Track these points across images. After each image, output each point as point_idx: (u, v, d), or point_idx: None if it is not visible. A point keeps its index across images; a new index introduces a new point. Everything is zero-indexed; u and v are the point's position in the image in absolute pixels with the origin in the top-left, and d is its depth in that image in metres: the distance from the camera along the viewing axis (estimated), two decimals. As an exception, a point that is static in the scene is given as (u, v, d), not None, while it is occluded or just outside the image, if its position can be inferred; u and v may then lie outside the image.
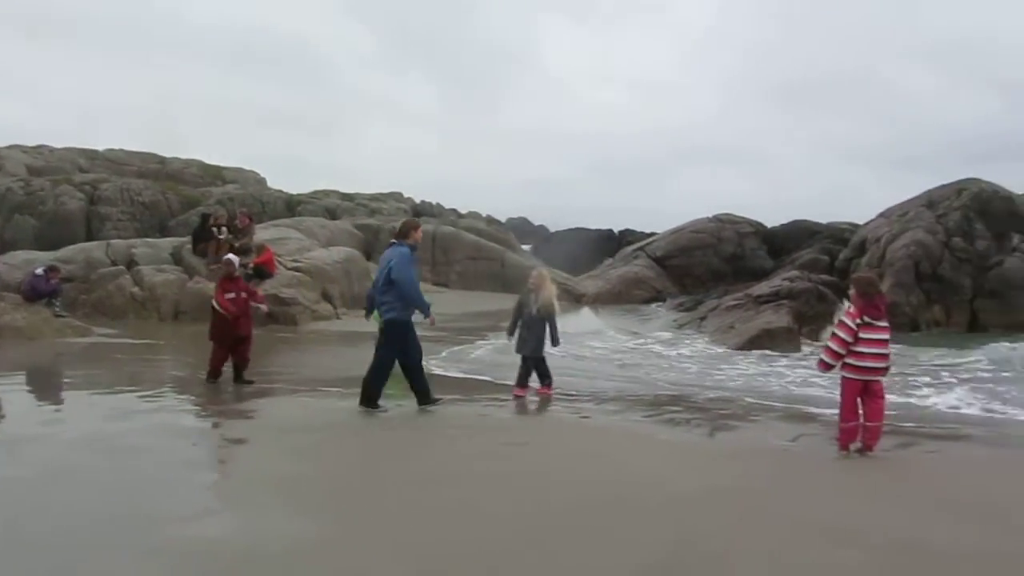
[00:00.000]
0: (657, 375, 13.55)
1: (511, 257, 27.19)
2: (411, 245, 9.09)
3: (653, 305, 25.63)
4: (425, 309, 9.02)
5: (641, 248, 29.59)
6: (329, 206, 36.14)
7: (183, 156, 44.85)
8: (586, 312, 23.81)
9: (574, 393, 10.94)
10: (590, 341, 17.36)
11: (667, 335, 19.44)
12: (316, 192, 40.03)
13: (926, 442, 8.70)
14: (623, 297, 25.89)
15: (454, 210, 46.56)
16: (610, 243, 38.36)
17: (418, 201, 44.98)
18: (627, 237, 38.58)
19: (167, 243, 20.97)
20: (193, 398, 9.81)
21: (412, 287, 8.90)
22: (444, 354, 14.35)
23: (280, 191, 39.79)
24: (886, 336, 7.66)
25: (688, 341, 18.43)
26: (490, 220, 45.32)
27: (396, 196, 44.21)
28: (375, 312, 9.19)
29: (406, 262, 8.86)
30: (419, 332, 9.20)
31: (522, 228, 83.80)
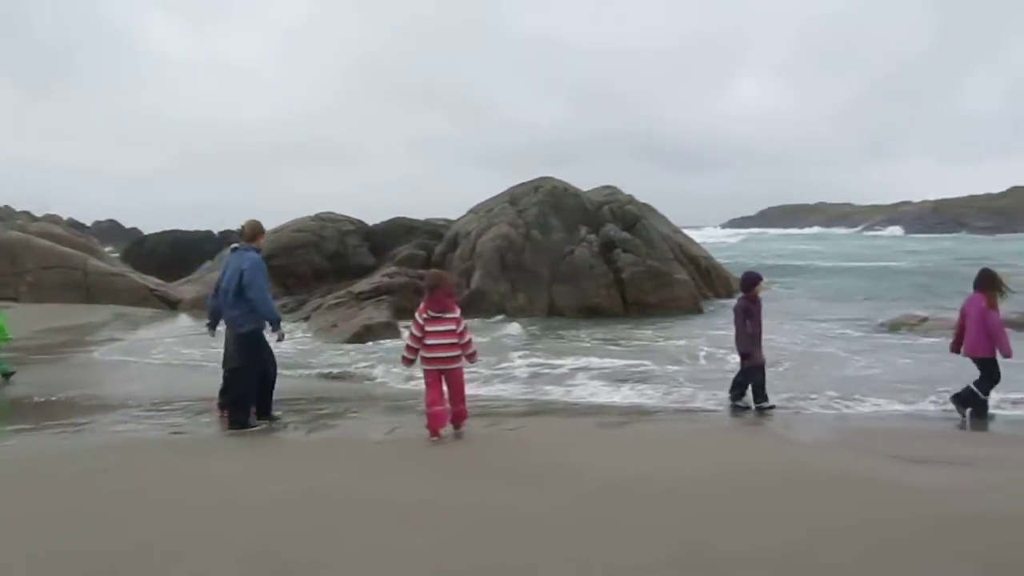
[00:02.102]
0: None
1: (95, 264, 24.79)
2: (257, 249, 8.63)
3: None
4: (276, 323, 8.66)
5: (242, 249, 28.58)
6: None
7: None
8: (183, 319, 22.48)
9: (166, 407, 10.24)
10: (184, 348, 16.38)
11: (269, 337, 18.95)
12: None
13: (510, 420, 9.42)
14: (224, 301, 24.80)
15: (27, 212, 41.32)
16: (210, 244, 36.57)
17: (-20, 203, 39.29)
18: (228, 238, 37.05)
19: None
20: None
21: (265, 299, 8.51)
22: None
23: None
24: (453, 327, 8.11)
25: (291, 342, 18.13)
26: (72, 223, 41.06)
27: (-51, 197, 38.16)
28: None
29: (259, 271, 8.38)
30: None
31: (113, 232, 77.07)
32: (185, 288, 26.40)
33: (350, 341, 16.92)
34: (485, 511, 5.44)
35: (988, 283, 9.71)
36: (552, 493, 5.90)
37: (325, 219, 28.65)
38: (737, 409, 10.16)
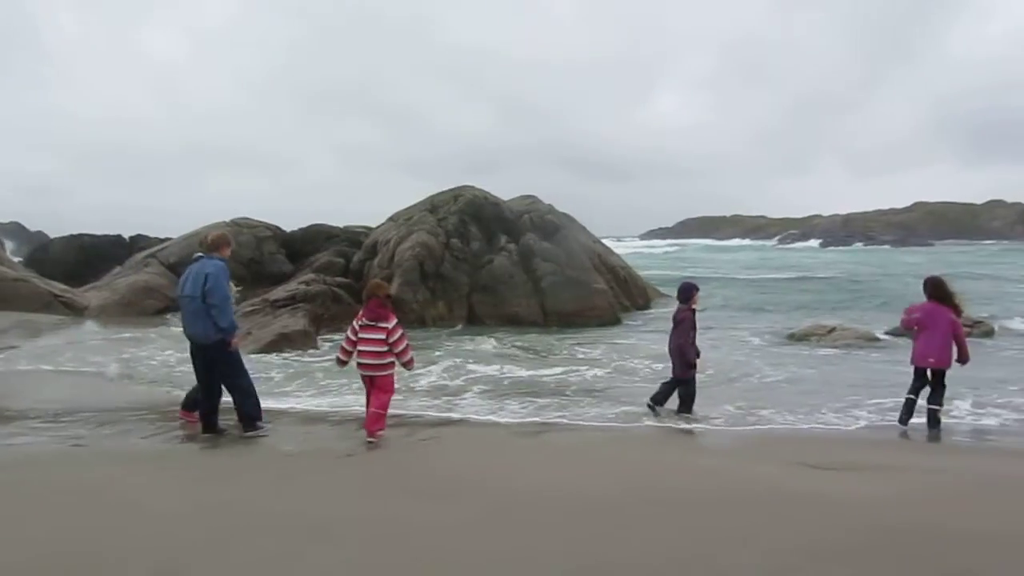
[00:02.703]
0: (161, 389, 12.75)
1: (-5, 269, 23.74)
2: (222, 260, 8.58)
3: (168, 315, 24.21)
4: (231, 331, 8.64)
5: (153, 255, 27.74)
6: None
7: None
8: (90, 325, 21.73)
9: (67, 418, 9.85)
10: (90, 355, 15.84)
11: (174, 346, 18.45)
12: None
13: (424, 430, 9.39)
14: (133, 308, 24.00)
15: (-79, 214, 39.48)
16: (120, 249, 35.36)
17: None
18: (139, 243, 35.93)
19: None
20: None
21: (227, 306, 8.47)
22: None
23: None
24: (383, 336, 8.50)
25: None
26: (-29, 226, 39.41)
27: None
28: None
29: (223, 277, 8.38)
30: None
31: (17, 234, 74.14)
32: (92, 294, 25.51)
33: (264, 350, 16.59)
34: (394, 524, 5.39)
35: (947, 294, 9.84)
36: (460, 506, 5.90)
37: (241, 224, 28.11)
38: (657, 416, 10.32)
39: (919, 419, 9.95)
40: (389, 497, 6.18)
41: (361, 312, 8.73)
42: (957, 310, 9.83)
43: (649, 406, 10.48)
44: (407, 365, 8.81)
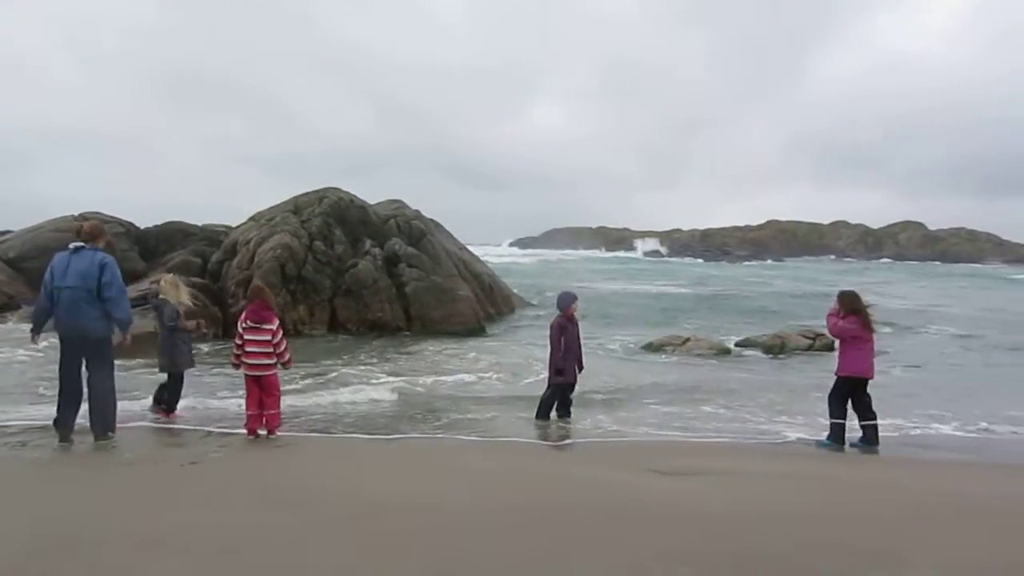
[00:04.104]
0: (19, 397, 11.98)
1: None
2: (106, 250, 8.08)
3: (8, 314, 22.71)
4: (128, 324, 8.39)
5: (-9, 248, 26.00)
6: None
7: None
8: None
9: None
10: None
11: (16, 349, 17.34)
12: None
13: (282, 437, 9.17)
14: (-34, 305, 22.43)
15: None
16: (-46, 242, 32.98)
17: None
18: (-26, 236, 33.63)
19: None
20: None
21: (126, 299, 8.27)
22: None
23: None
24: (268, 337, 8.91)
25: (43, 355, 16.64)
26: None
27: None
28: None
29: (118, 269, 8.03)
30: None
31: None
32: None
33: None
34: (234, 533, 5.21)
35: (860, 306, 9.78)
36: (306, 514, 5.75)
37: (90, 219, 26.66)
38: (557, 424, 10.45)
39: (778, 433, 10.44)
40: (231, 505, 5.98)
41: (244, 315, 9.04)
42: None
43: (547, 418, 10.61)
44: (286, 364, 9.20)
